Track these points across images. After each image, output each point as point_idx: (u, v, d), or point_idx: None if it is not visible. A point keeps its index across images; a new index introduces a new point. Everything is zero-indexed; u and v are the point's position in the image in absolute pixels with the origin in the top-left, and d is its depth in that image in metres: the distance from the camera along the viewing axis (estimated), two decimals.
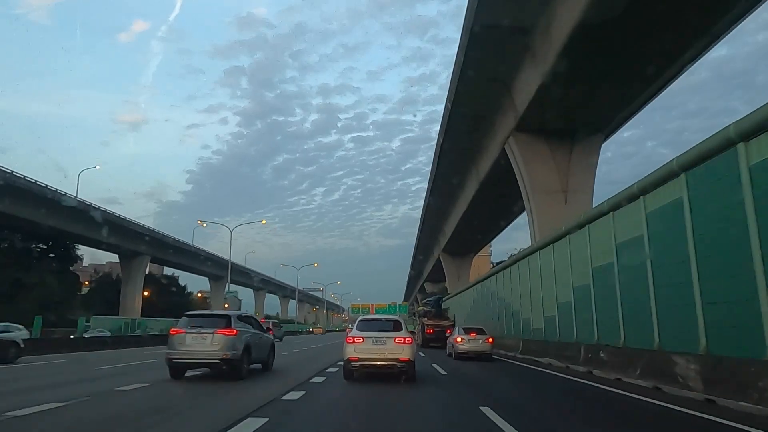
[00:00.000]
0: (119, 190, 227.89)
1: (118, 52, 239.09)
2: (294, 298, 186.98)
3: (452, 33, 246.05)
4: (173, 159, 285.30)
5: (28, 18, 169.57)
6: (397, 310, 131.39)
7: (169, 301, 71.22)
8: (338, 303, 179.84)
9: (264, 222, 57.42)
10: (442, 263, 59.15)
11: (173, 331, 11.38)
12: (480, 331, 18.23)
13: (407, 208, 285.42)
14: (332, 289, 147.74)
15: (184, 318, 11.77)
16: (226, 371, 11.04)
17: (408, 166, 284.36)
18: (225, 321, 11.47)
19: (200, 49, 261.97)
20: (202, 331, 11.02)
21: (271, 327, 28.05)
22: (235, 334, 11.14)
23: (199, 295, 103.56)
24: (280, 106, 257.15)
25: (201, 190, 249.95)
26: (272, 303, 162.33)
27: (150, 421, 6.26)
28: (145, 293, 68.57)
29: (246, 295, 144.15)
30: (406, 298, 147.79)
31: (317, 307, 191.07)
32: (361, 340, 10.63)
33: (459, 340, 17.91)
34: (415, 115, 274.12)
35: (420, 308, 38.89)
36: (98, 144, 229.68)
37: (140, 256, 66.71)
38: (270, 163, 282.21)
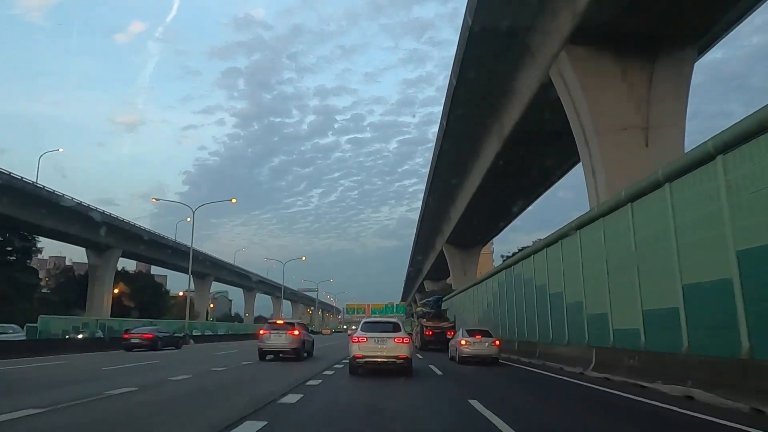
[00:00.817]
0: (116, 191, 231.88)
1: (114, 53, 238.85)
2: (288, 299, 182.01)
3: (449, 35, 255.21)
4: (170, 160, 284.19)
5: (24, 19, 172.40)
6: (394, 310, 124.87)
7: (144, 300, 64.14)
8: (333, 304, 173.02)
9: (234, 201, 52.28)
10: (446, 256, 52.68)
11: (262, 331, 18.98)
12: (486, 334, 17.28)
13: (404, 209, 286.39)
14: (326, 288, 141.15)
15: (267, 324, 20.70)
16: (292, 356, 18.38)
17: (405, 167, 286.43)
18: (292, 326, 18.82)
19: (197, 50, 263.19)
20: (280, 332, 18.40)
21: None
22: (298, 335, 18.42)
23: (181, 294, 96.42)
24: (277, 107, 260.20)
25: (198, 191, 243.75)
26: (265, 304, 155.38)
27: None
28: (116, 291, 61.58)
29: (236, 294, 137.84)
30: (403, 298, 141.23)
31: (312, 308, 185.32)
32: (365, 339, 12.37)
33: (463, 343, 16.95)
34: (414, 116, 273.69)
35: (418, 309, 36.67)
36: (94, 145, 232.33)
37: (110, 250, 59.79)
38: (267, 164, 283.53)
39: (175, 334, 31.28)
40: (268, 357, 18.30)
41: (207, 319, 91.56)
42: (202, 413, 6.94)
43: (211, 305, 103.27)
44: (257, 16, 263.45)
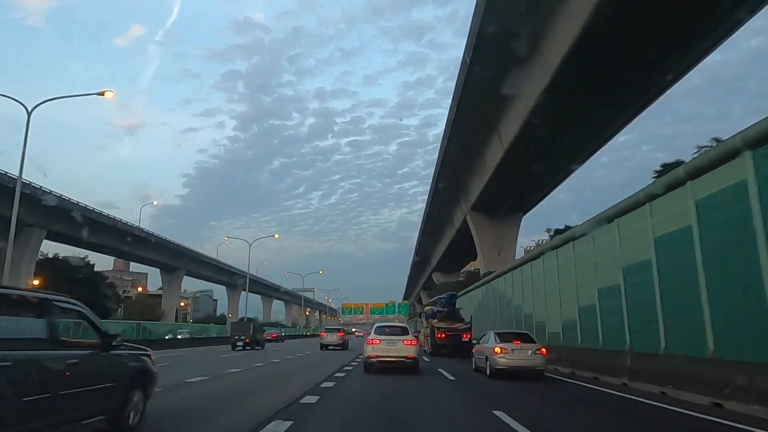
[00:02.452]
0: (115, 194, 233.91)
1: (114, 57, 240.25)
2: (281, 299, 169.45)
3: (449, 38, 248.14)
4: (170, 163, 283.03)
5: (25, 22, 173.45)
6: (396, 310, 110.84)
7: (75, 292, 49.59)
8: (330, 304, 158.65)
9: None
10: (472, 229, 39.18)
11: (322, 333, 34.44)
12: (526, 338, 13.94)
13: (404, 212, 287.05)
14: (323, 288, 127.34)
15: (325, 329, 38.91)
16: (341, 348, 29.95)
17: (405, 170, 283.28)
18: (339, 330, 32.57)
19: (197, 53, 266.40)
20: (333, 333, 31.88)
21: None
22: (342, 335, 31.44)
23: (140, 289, 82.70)
24: (277, 110, 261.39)
25: (197, 194, 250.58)
26: (254, 304, 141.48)
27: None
28: (35, 282, 47.56)
29: (220, 294, 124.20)
30: (405, 297, 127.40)
31: (309, 309, 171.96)
32: (378, 342, 14.28)
33: (498, 350, 13.23)
34: (401, 119, 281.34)
35: (427, 307, 32.55)
36: (93, 148, 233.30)
37: (28, 229, 46.04)
38: (267, 166, 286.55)
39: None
40: (327, 349, 30.06)
41: (177, 320, 77.89)
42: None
43: (182, 304, 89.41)
44: (256, 19, 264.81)
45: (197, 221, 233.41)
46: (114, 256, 66.75)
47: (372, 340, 14.23)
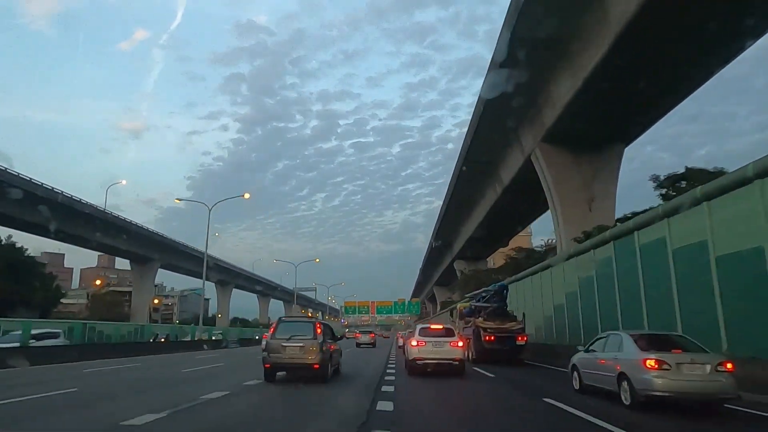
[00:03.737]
0: (120, 197, 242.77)
1: (119, 61, 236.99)
2: (280, 299, 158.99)
3: (451, 39, 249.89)
4: (174, 166, 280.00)
5: (29, 28, 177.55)
6: (405, 309, 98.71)
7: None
8: (333, 304, 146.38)
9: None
10: (543, 174, 26.09)
11: (356, 334, 45.33)
12: (690, 346, 8.93)
13: (408, 213, 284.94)
14: (325, 289, 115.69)
15: (358, 330, 51.74)
16: (372, 346, 37.21)
17: (408, 171, 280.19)
18: (370, 332, 41.54)
19: (200, 56, 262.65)
20: (366, 334, 40.15)
21: None
22: (373, 336, 40.83)
23: (98, 282, 70.91)
24: (281, 112, 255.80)
25: (201, 196, 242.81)
26: (243, 301, 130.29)
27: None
28: None
29: (213, 292, 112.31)
30: (415, 294, 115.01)
31: (311, 310, 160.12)
32: (424, 343, 13.95)
33: (653, 364, 8.24)
34: (409, 115, 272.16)
35: (462, 304, 26.60)
36: (99, 151, 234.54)
37: None
38: (270, 169, 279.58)
39: None
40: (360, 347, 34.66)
41: (150, 321, 66.09)
42: None
43: (156, 301, 77.61)
44: (260, 22, 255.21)
45: (201, 224, 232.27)
46: (59, 240, 54.51)
47: (417, 341, 14.02)
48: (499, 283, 23.27)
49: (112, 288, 78.05)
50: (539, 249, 41.77)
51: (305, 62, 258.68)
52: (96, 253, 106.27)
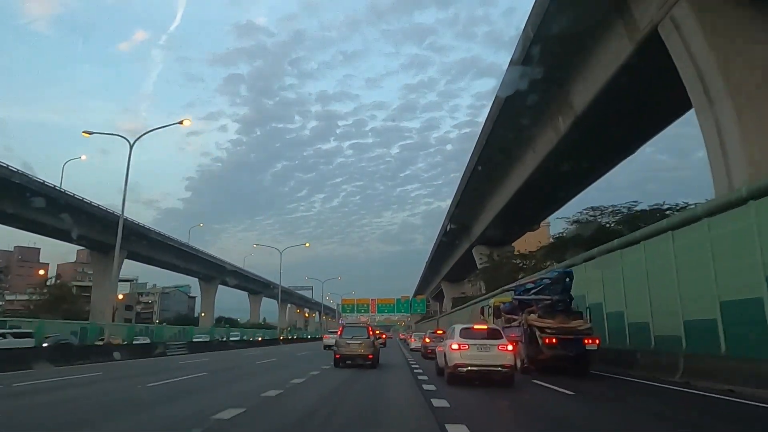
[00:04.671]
0: (118, 198, 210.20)
1: (118, 62, 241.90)
2: (274, 299, 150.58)
3: (450, 41, 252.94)
4: (173, 166, 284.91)
5: (29, 28, 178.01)
6: (410, 308, 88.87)
7: None
8: (330, 303, 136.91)
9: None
10: (692, 46, 15.58)
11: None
12: None
13: (406, 215, 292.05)
14: (317, 286, 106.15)
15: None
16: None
17: (407, 172, 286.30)
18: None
19: (199, 57, 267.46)
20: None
21: None
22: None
23: (42, 272, 61.28)
24: (280, 113, 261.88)
25: (200, 197, 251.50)
26: (233, 299, 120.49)
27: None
28: None
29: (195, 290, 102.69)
30: (419, 291, 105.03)
31: (307, 310, 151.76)
32: (467, 347, 11.81)
33: None
34: (413, 119, 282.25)
35: (503, 298, 20.70)
36: (98, 151, 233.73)
37: None
38: (269, 169, 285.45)
39: None
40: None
41: (114, 320, 56.33)
42: None
43: (120, 296, 67.73)
44: (259, 23, 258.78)
45: (199, 224, 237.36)
46: (9, 225, 44.99)
47: (459, 344, 12.03)
48: (560, 270, 17.86)
49: (76, 283, 68.18)
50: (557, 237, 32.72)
51: (304, 63, 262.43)
52: (77, 248, 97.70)
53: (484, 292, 43.78)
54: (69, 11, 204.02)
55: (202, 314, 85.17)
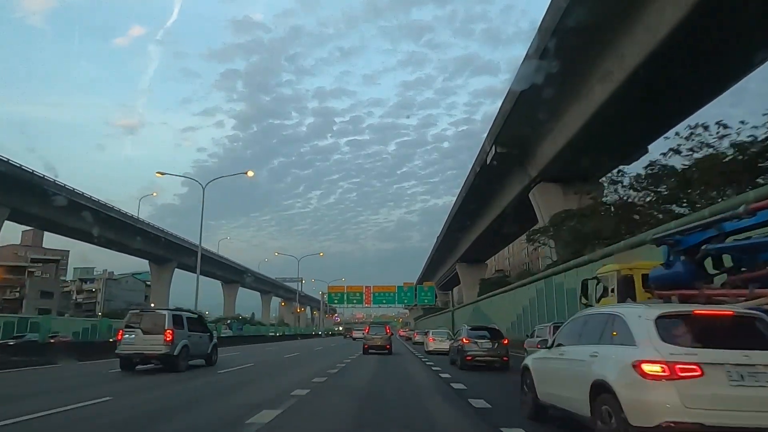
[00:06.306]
0: (114, 193, 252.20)
1: (114, 57, 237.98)
2: (257, 290, 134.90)
3: (448, 38, 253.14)
4: (169, 162, 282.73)
5: (25, 22, 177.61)
6: (415, 297, 70.27)
7: None
8: (321, 298, 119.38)
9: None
10: None
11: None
12: None
13: (403, 212, 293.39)
14: (310, 282, 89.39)
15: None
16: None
17: (404, 169, 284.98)
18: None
19: (196, 52, 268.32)
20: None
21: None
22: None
23: None
24: (276, 109, 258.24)
25: (196, 192, 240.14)
26: (211, 292, 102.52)
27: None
28: None
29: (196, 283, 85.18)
30: (426, 277, 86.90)
31: (297, 304, 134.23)
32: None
33: None
34: (408, 117, 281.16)
35: (636, 264, 9.75)
36: (94, 147, 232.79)
37: None
38: (266, 166, 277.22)
39: None
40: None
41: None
42: None
43: (67, 289, 50.21)
44: (256, 19, 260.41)
45: (196, 220, 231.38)
46: None
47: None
48: None
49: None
50: None
51: (301, 59, 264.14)
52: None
53: (554, 260, 26.87)
54: (65, 5, 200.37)
55: (152, 304, 67.48)
